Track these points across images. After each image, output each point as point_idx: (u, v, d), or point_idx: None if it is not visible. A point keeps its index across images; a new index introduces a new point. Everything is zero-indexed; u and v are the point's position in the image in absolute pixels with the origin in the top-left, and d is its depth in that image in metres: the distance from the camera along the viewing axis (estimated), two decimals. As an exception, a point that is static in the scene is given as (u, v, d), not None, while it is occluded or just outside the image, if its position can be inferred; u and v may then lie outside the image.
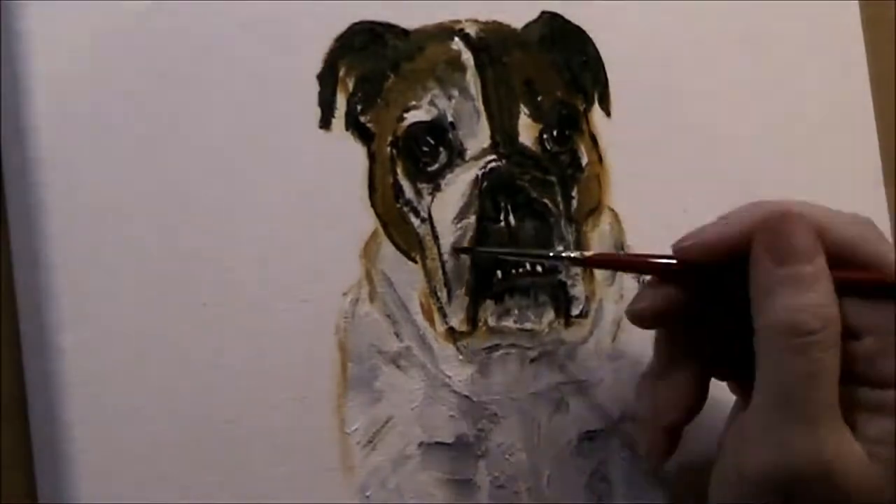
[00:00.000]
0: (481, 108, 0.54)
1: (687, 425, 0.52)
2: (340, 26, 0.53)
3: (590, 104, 0.58)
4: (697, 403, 0.52)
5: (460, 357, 0.53)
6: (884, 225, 0.63)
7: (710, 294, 0.51)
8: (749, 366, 0.48)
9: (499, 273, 0.53)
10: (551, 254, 0.54)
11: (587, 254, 0.55)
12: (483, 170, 0.54)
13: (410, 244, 0.53)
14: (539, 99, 0.56)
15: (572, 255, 0.54)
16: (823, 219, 0.49)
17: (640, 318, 0.52)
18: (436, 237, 0.53)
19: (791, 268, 0.47)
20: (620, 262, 0.56)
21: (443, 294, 0.53)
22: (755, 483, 0.47)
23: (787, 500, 0.47)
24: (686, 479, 0.56)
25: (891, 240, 0.60)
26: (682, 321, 0.52)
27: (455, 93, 0.54)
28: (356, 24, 0.53)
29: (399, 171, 0.53)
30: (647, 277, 0.54)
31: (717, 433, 0.52)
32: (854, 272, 0.49)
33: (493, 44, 0.55)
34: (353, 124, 0.53)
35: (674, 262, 0.51)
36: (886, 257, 0.49)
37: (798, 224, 0.48)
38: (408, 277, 0.53)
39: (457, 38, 0.55)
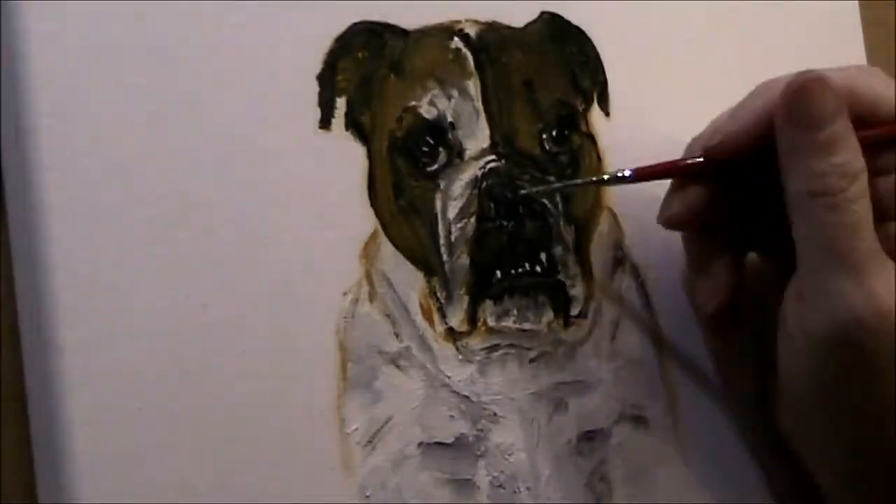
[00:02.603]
0: (481, 108, 0.54)
1: (726, 313, 0.54)
2: (340, 26, 0.53)
3: (589, 104, 0.58)
4: (735, 285, 0.54)
5: (460, 357, 0.53)
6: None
7: (737, 183, 0.53)
8: (781, 238, 0.51)
9: (498, 273, 0.54)
10: (595, 178, 0.55)
11: (626, 172, 0.54)
12: (482, 170, 0.54)
13: (410, 244, 0.53)
14: (538, 99, 0.56)
15: (619, 174, 0.54)
16: (846, 79, 0.51)
17: (673, 223, 0.54)
18: (435, 237, 0.53)
19: (813, 133, 0.49)
20: (653, 171, 0.55)
21: (442, 294, 0.53)
22: (822, 340, 0.49)
23: (855, 354, 0.48)
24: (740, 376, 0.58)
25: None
26: (710, 216, 0.54)
27: (455, 93, 0.54)
28: (356, 24, 0.53)
29: (399, 171, 0.53)
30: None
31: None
32: (878, 127, 0.51)
33: (492, 44, 0.55)
34: (352, 124, 0.53)
35: (701, 161, 0.53)
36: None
37: (817, 90, 0.50)
38: (407, 277, 0.53)
39: (456, 38, 0.55)
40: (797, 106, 0.50)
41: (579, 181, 0.56)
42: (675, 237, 0.57)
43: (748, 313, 0.55)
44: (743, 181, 0.53)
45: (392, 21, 0.54)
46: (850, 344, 0.48)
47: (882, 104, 0.51)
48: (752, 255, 0.57)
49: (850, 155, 0.49)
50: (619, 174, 0.54)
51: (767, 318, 0.53)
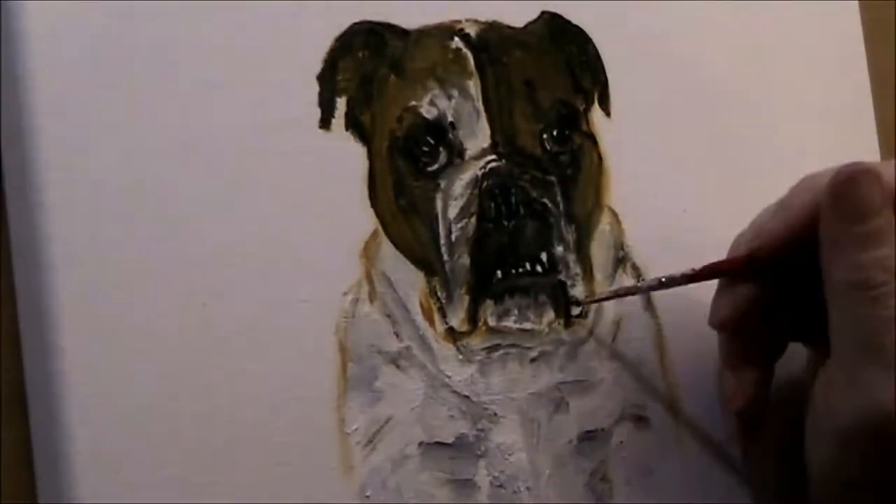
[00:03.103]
0: (481, 108, 0.54)
1: (755, 411, 0.54)
2: (340, 26, 0.53)
3: (590, 104, 0.58)
4: (766, 385, 0.54)
5: (460, 357, 0.53)
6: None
7: (780, 279, 0.53)
8: (822, 324, 0.50)
9: (499, 273, 0.53)
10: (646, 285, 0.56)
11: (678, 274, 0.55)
12: (483, 170, 0.54)
13: (410, 244, 0.53)
14: (539, 99, 0.56)
15: (667, 278, 0.55)
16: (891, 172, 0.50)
17: (726, 324, 0.54)
18: (436, 237, 0.53)
19: (857, 226, 0.49)
20: (702, 273, 0.55)
21: (443, 294, 0.53)
22: (849, 432, 0.48)
23: (882, 448, 0.47)
24: (764, 464, 0.57)
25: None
26: (752, 314, 0.53)
27: (455, 93, 0.54)
28: (356, 24, 0.53)
29: (399, 170, 0.53)
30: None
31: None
32: None
33: (493, 44, 0.55)
34: (353, 124, 0.53)
35: (745, 262, 0.53)
36: None
37: (864, 181, 0.49)
38: (408, 277, 0.53)
39: (457, 38, 0.55)
40: (843, 198, 0.49)
41: (635, 287, 0.56)
42: (676, 238, 0.57)
43: (776, 411, 0.55)
44: (787, 276, 0.53)
45: (392, 21, 0.54)
46: (877, 437, 0.47)
47: None
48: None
49: (892, 249, 0.48)
50: (667, 278, 0.55)
51: (795, 415, 0.53)
